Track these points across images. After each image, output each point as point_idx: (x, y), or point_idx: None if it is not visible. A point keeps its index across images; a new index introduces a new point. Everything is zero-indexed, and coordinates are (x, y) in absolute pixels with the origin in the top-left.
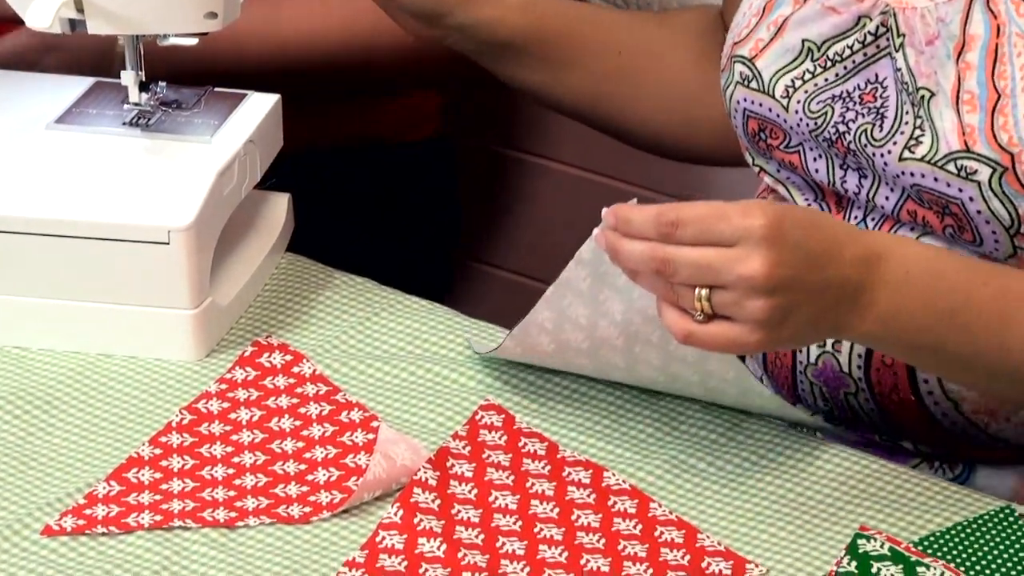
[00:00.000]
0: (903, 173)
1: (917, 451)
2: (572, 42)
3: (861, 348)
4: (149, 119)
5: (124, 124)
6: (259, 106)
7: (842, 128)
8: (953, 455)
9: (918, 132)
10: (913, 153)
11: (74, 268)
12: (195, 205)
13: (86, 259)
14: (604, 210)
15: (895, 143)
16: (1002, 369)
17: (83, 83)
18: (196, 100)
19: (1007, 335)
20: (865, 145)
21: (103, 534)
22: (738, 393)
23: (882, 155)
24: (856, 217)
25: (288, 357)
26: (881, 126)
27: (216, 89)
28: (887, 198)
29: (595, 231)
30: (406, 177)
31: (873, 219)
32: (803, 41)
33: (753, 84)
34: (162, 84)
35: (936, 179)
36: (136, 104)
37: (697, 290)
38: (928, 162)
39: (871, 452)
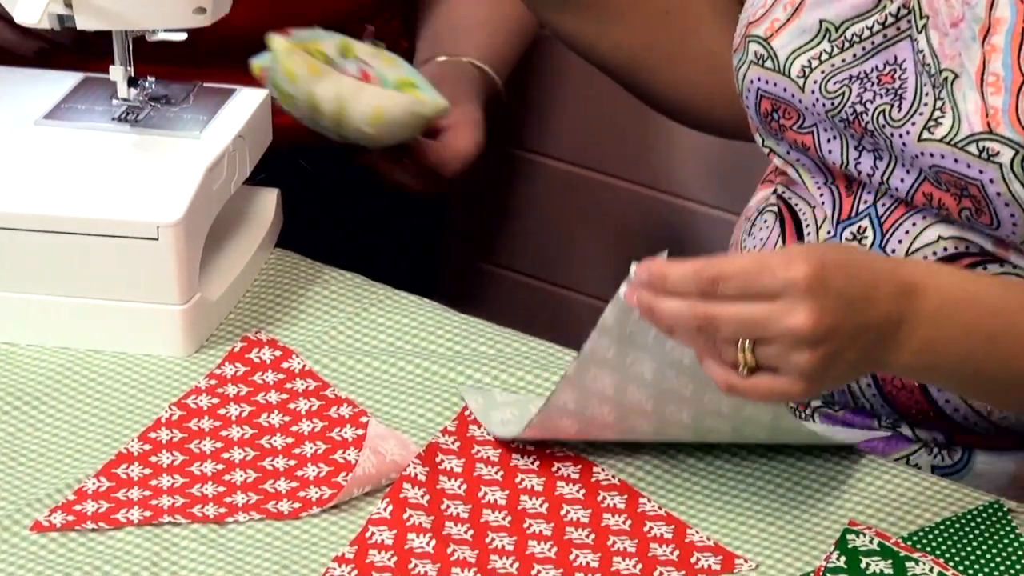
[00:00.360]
0: (921, 154)
1: (916, 437)
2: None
3: None
4: (138, 115)
5: (113, 120)
6: (248, 101)
7: (859, 108)
8: (952, 441)
9: (938, 114)
10: (932, 134)
11: (63, 264)
12: (184, 201)
13: (75, 255)
14: (634, 266)
15: (913, 124)
16: None
17: (72, 78)
18: (185, 95)
19: None
20: (883, 126)
21: (93, 530)
22: (770, 435)
23: (900, 136)
24: (866, 201)
25: (277, 353)
26: (899, 107)
27: (205, 85)
28: (902, 180)
29: (621, 290)
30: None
31: (884, 203)
32: (820, 21)
33: (768, 64)
34: (151, 79)
35: (956, 160)
36: (125, 100)
37: (740, 343)
38: (948, 143)
39: (869, 439)
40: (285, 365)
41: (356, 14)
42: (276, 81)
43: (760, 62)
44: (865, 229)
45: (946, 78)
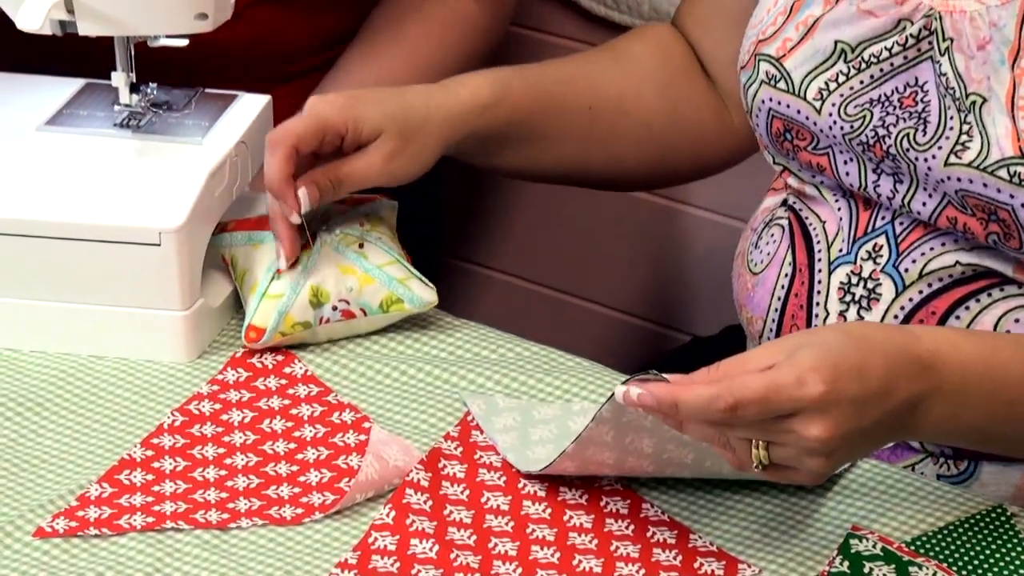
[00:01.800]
0: (948, 179)
1: (922, 447)
2: (547, 114)
3: None
4: (140, 120)
5: (115, 125)
6: (250, 107)
7: (881, 132)
8: (960, 454)
9: (965, 138)
10: (960, 158)
11: (65, 270)
12: (186, 207)
13: (77, 261)
14: (619, 389)
15: (939, 148)
16: None
17: (74, 84)
18: (187, 101)
19: None
20: (907, 150)
21: (95, 536)
22: None
23: (925, 160)
24: (884, 218)
25: (279, 358)
26: (924, 131)
27: (207, 90)
28: (924, 204)
29: (617, 392)
30: None
31: (902, 222)
32: (836, 42)
33: (781, 84)
34: (152, 85)
35: (985, 184)
36: (127, 105)
37: (754, 444)
38: (977, 168)
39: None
40: (287, 370)
41: (341, 36)
42: None
43: (772, 82)
44: (881, 247)
45: (973, 102)
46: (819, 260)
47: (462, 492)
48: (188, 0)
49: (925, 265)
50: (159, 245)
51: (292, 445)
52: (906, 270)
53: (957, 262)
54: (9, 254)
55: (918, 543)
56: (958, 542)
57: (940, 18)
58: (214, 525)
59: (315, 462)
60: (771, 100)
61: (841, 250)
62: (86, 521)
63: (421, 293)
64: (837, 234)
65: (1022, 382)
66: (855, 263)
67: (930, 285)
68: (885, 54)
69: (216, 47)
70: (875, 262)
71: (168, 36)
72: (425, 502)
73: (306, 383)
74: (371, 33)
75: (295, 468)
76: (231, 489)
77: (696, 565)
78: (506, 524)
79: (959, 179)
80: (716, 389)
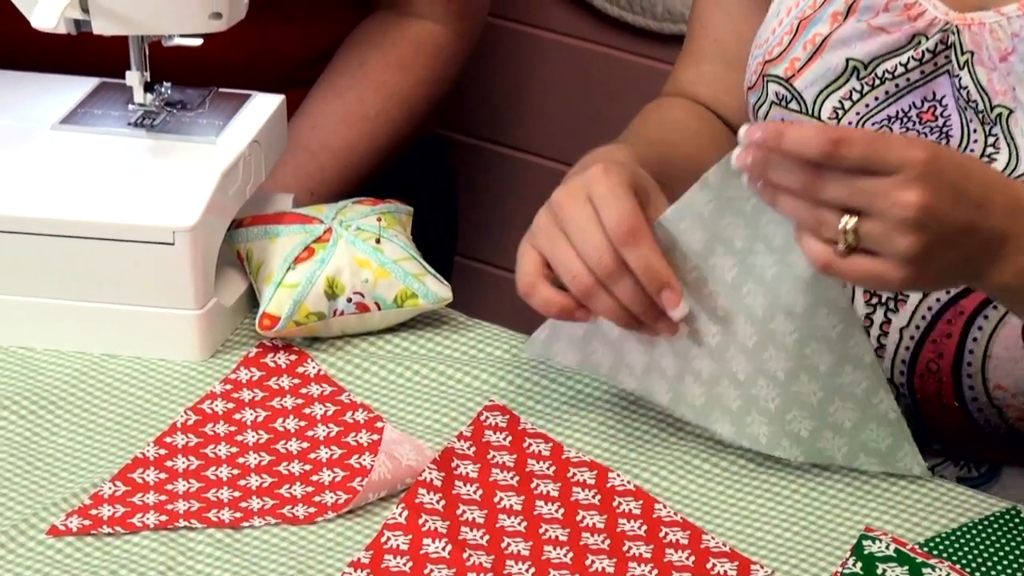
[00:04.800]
0: None
1: (944, 450)
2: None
3: (906, 354)
4: (154, 120)
5: (129, 124)
6: (263, 107)
7: None
8: (983, 457)
9: (991, 150)
10: None
11: (79, 268)
12: (199, 206)
13: (91, 259)
14: (743, 129)
15: None
16: None
17: (88, 83)
18: (201, 100)
19: None
20: None
21: (109, 534)
22: (832, 359)
23: None
24: None
25: (293, 357)
26: (947, 145)
27: (220, 90)
28: None
29: (733, 153)
30: (402, 175)
31: None
32: (847, 60)
33: (793, 105)
34: (167, 85)
35: None
36: (141, 105)
37: (844, 219)
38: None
39: None
40: (300, 370)
41: (333, 48)
42: None
43: (783, 103)
44: None
45: (999, 114)
46: None
47: (475, 492)
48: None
49: None
50: (173, 244)
51: (305, 444)
52: None
53: None
54: (24, 252)
55: (931, 544)
56: (972, 544)
57: (957, 31)
58: (227, 524)
59: (328, 461)
60: (784, 120)
61: None
62: (99, 519)
63: (436, 289)
64: None
65: None
66: None
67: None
68: (900, 69)
69: (208, 59)
70: None
71: (182, 35)
72: (438, 502)
73: (319, 382)
74: (336, 68)
75: (308, 467)
76: (244, 488)
77: (709, 566)
78: (519, 524)
79: None
80: (823, 127)
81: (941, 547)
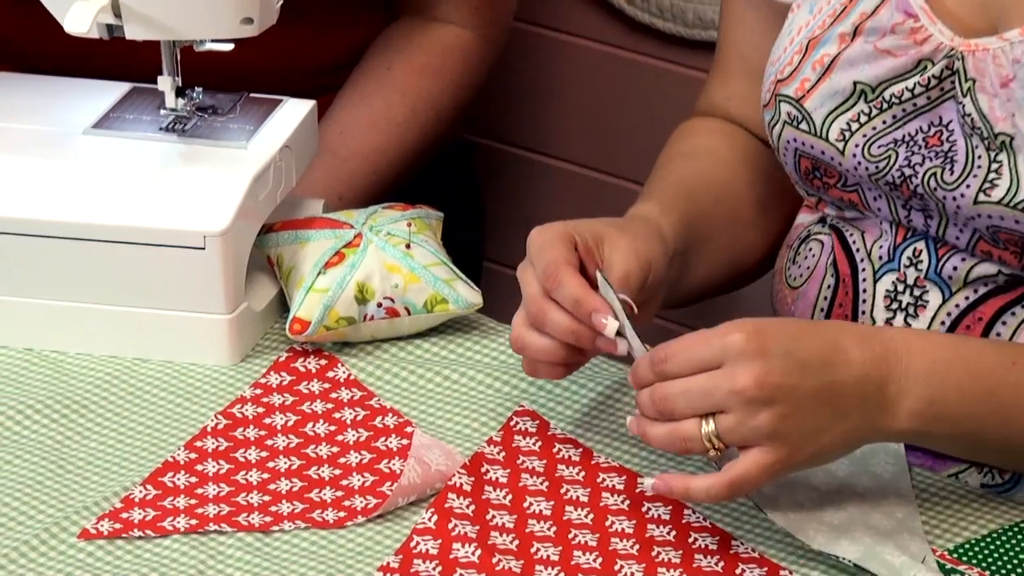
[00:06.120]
0: (978, 215)
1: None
2: (707, 222)
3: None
4: (185, 124)
5: (160, 129)
6: (294, 112)
7: (908, 172)
8: None
9: (993, 175)
10: (989, 196)
11: (110, 273)
12: (230, 210)
13: (122, 264)
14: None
15: (968, 186)
16: None
17: (120, 88)
18: (232, 105)
19: None
20: (935, 189)
21: (139, 538)
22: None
23: (954, 198)
24: (928, 248)
25: (323, 362)
26: (951, 169)
27: (251, 95)
28: (958, 237)
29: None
30: (430, 180)
31: (944, 249)
32: (855, 83)
33: (803, 126)
34: (198, 89)
35: (1017, 221)
36: (172, 109)
37: (702, 428)
38: (1007, 205)
39: (918, 455)
40: (330, 375)
41: (355, 56)
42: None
43: (795, 124)
44: (920, 251)
45: (1003, 142)
46: (863, 270)
47: (504, 497)
48: (234, 5)
49: (969, 271)
50: (203, 249)
51: (335, 449)
52: (949, 277)
53: (1000, 271)
54: (56, 257)
55: (960, 551)
56: (1001, 550)
57: (962, 58)
58: (257, 528)
59: (357, 466)
60: (795, 140)
61: (881, 257)
62: (130, 523)
63: (466, 294)
64: (876, 240)
65: (992, 375)
66: (899, 270)
67: (976, 291)
68: (907, 94)
69: (239, 64)
70: (917, 268)
71: (214, 40)
72: (467, 506)
73: (349, 387)
74: (363, 73)
75: (338, 472)
76: (274, 492)
77: (738, 571)
78: (548, 529)
79: (989, 216)
80: (654, 349)
81: (970, 553)
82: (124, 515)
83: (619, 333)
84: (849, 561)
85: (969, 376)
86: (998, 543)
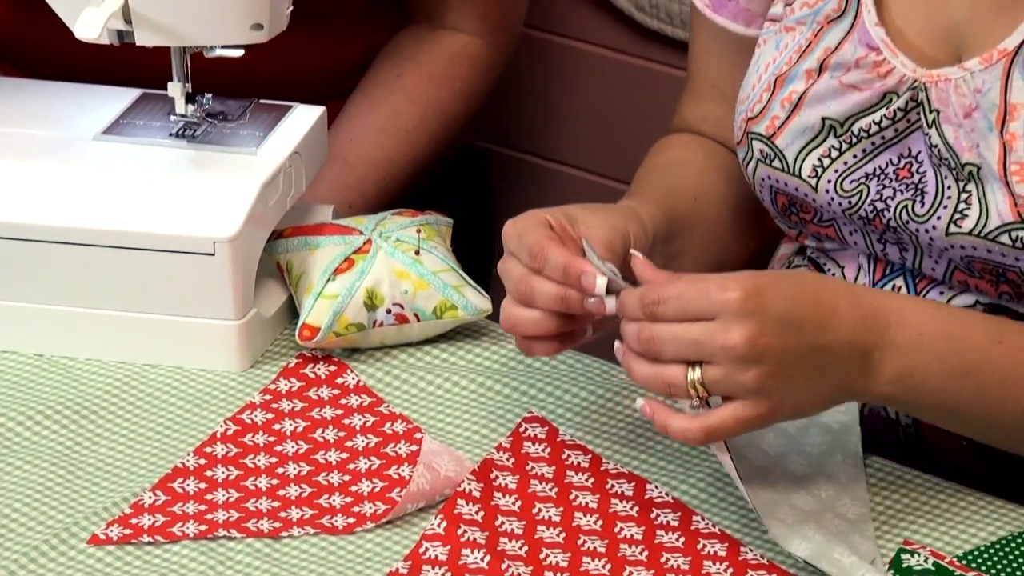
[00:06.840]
0: (951, 246)
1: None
2: (686, 216)
3: None
4: (195, 131)
5: (170, 135)
6: (304, 118)
7: (880, 205)
8: None
9: (963, 206)
10: (960, 227)
11: (120, 279)
12: (240, 216)
13: (131, 270)
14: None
15: (939, 218)
16: (1018, 427)
17: (130, 94)
18: (242, 112)
19: (1022, 393)
20: (907, 221)
21: (149, 543)
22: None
23: (927, 230)
24: (907, 284)
25: (332, 368)
26: (922, 201)
27: (261, 101)
28: (934, 269)
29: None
30: (439, 187)
31: (924, 283)
32: (823, 119)
33: (776, 163)
34: (208, 96)
35: (989, 251)
36: (182, 116)
37: (688, 375)
38: (978, 235)
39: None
40: (340, 380)
41: (364, 63)
42: None
43: (768, 161)
44: (900, 288)
45: (970, 172)
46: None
47: (514, 503)
48: (244, 11)
49: (948, 302)
50: (213, 255)
51: (344, 455)
52: None
53: (977, 302)
54: (65, 262)
55: (970, 558)
56: (1010, 557)
57: (926, 89)
58: (266, 534)
59: (367, 472)
60: (770, 178)
61: None
62: (140, 529)
63: (475, 301)
64: (855, 278)
65: (976, 352)
66: None
67: None
68: (875, 128)
69: (249, 70)
70: None
71: (224, 47)
72: (476, 512)
73: (358, 393)
74: (373, 81)
75: (347, 478)
76: (283, 498)
77: None
78: (557, 535)
79: (962, 247)
80: (646, 287)
81: (980, 560)
82: (134, 521)
83: (609, 292)
84: (800, 559)
85: (953, 351)
86: (1007, 549)
